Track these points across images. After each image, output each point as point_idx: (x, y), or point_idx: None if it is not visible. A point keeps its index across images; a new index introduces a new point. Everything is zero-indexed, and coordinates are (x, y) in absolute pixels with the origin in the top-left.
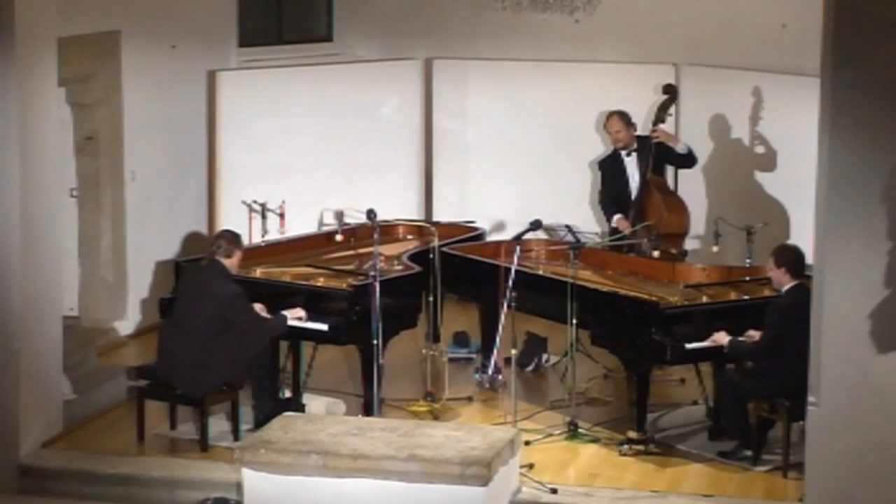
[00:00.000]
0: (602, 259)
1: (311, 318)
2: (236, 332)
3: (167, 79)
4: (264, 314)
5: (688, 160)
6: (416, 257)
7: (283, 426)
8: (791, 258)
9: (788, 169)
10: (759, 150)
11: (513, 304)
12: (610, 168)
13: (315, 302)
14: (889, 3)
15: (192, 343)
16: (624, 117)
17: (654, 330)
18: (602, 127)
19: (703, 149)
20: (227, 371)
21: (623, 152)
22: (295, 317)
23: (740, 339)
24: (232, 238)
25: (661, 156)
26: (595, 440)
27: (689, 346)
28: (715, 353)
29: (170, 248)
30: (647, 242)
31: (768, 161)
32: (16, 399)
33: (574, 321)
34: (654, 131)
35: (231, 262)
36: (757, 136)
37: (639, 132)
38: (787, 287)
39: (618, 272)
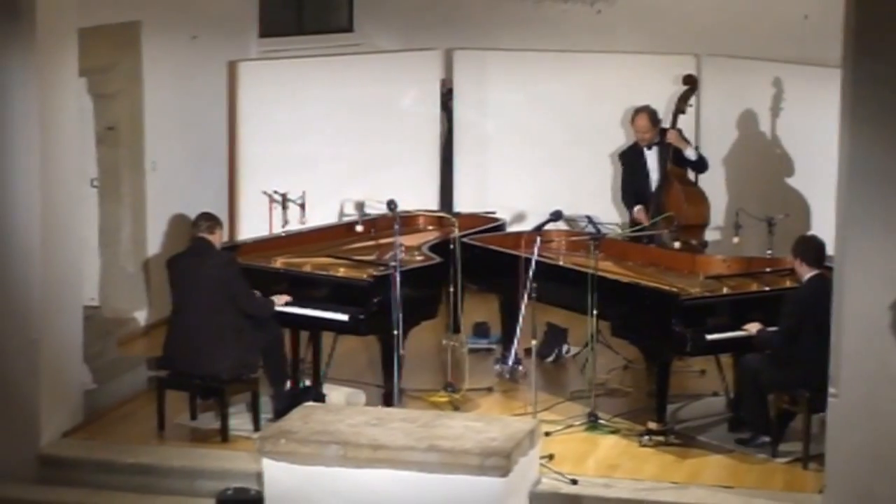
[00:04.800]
0: (622, 250)
1: (325, 308)
2: (239, 306)
3: (188, 69)
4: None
5: (698, 165)
6: (436, 248)
7: (303, 416)
8: (804, 248)
9: (809, 160)
10: (780, 141)
11: (533, 294)
12: (630, 160)
13: (335, 292)
14: None
15: (202, 325)
16: (653, 117)
17: (674, 321)
18: (629, 121)
19: (723, 140)
20: (240, 350)
21: (644, 146)
22: (281, 302)
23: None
24: (210, 217)
25: (676, 155)
26: (615, 431)
27: (709, 337)
28: (735, 345)
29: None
30: (668, 234)
31: (788, 156)
32: (36, 389)
33: (594, 312)
34: (667, 134)
35: (215, 238)
36: (778, 127)
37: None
38: (806, 277)
39: (638, 263)
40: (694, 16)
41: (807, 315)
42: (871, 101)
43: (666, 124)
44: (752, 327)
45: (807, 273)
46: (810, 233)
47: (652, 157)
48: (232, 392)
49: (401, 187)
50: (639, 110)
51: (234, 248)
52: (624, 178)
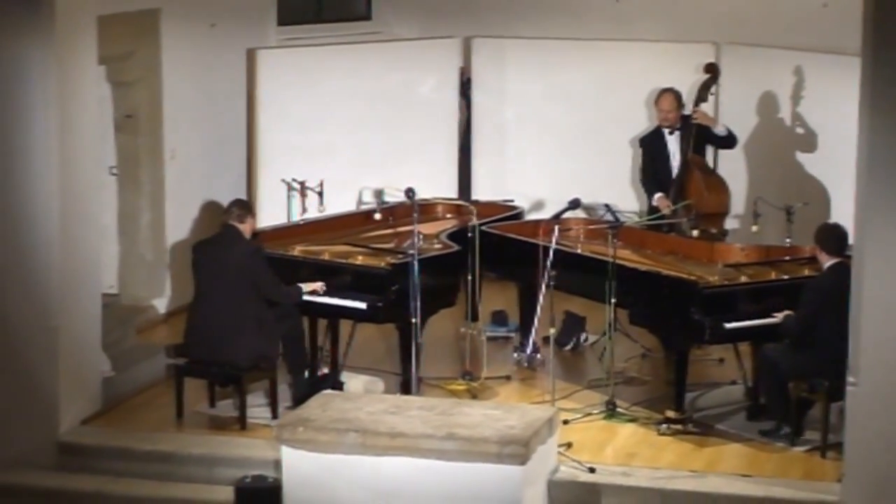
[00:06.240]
0: (641, 238)
1: (343, 296)
2: (262, 296)
3: (206, 57)
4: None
5: (728, 141)
6: (454, 236)
7: (322, 404)
8: (825, 236)
9: (829, 148)
10: (800, 129)
11: (551, 283)
12: (651, 145)
13: (353, 280)
14: None
15: (223, 313)
16: (678, 98)
17: (693, 309)
18: (652, 102)
19: (743, 128)
20: (261, 340)
21: (666, 130)
22: (311, 289)
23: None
24: (243, 205)
25: (701, 136)
26: (633, 419)
27: (728, 325)
28: (754, 333)
29: (209, 227)
30: (687, 222)
31: (809, 141)
32: (55, 376)
33: (613, 300)
34: (694, 112)
35: (245, 227)
36: (797, 115)
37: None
38: (827, 265)
39: (657, 251)
40: (713, 4)
41: (826, 303)
42: (890, 89)
43: (687, 112)
44: (779, 315)
45: (827, 261)
46: (833, 221)
47: (673, 142)
48: (250, 380)
49: (419, 175)
50: (664, 90)
51: (253, 235)
52: (644, 163)
